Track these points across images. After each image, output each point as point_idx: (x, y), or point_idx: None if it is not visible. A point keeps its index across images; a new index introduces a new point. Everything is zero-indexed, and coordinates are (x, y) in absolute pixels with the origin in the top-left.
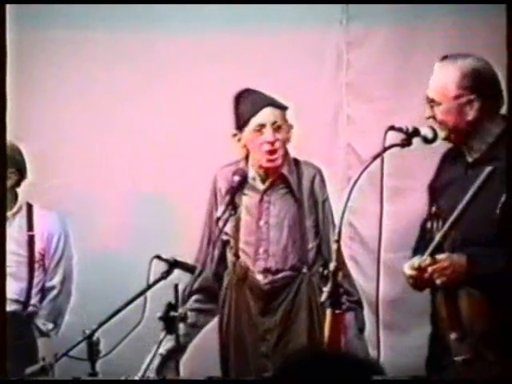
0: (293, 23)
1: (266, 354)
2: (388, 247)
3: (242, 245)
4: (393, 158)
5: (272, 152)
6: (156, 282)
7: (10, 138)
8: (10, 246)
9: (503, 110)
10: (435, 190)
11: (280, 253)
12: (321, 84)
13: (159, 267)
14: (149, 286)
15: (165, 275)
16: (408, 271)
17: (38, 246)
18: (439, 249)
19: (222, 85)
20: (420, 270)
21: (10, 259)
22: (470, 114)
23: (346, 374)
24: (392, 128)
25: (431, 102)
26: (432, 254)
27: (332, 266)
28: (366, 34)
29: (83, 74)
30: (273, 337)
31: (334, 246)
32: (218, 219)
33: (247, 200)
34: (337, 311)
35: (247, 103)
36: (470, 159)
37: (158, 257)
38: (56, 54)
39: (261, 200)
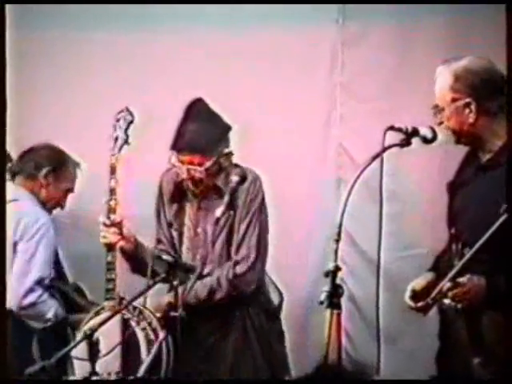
0: (289, 22)
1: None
2: (386, 249)
3: (184, 249)
4: (392, 158)
5: (192, 182)
6: (156, 282)
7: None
8: None
9: None
10: (451, 190)
11: (216, 260)
12: (315, 83)
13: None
14: (149, 286)
15: (165, 275)
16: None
17: None
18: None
19: (221, 84)
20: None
21: None
22: (471, 117)
23: None
24: (391, 128)
25: (436, 108)
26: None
27: (332, 265)
28: (362, 34)
29: (83, 74)
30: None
31: (333, 246)
32: (218, 219)
33: (189, 206)
34: (335, 311)
35: (184, 132)
36: (483, 160)
37: (158, 257)
38: (56, 54)
39: (198, 208)
